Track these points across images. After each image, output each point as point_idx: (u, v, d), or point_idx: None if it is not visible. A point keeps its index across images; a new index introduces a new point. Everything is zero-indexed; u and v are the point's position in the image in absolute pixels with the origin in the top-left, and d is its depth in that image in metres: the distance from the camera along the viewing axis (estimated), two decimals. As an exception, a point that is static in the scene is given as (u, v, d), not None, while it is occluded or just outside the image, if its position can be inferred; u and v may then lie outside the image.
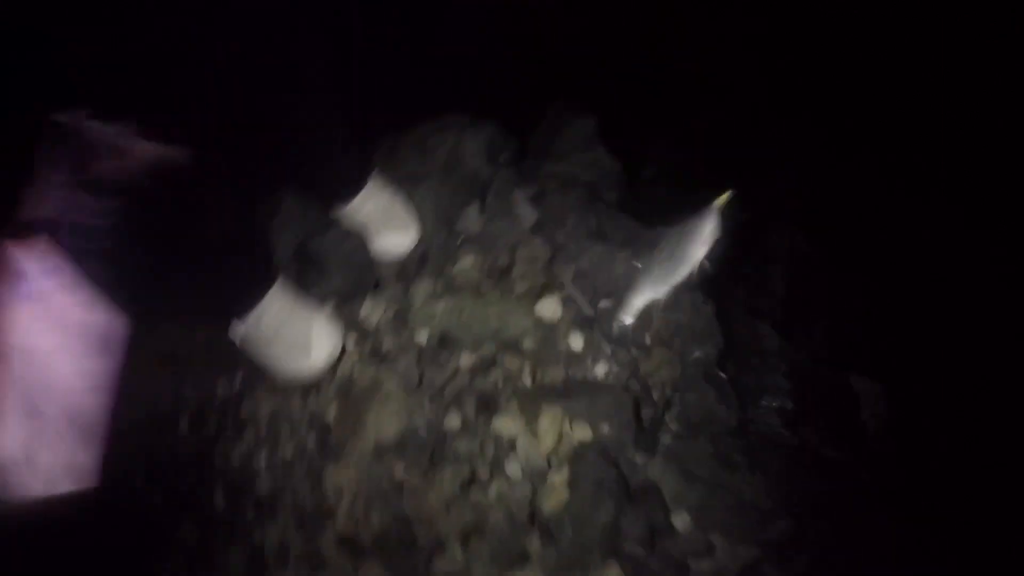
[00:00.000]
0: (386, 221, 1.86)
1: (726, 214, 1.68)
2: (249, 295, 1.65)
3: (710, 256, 1.87)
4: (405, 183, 1.96)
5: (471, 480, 1.59)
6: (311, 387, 1.74)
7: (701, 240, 1.66)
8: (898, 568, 1.95)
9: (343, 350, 1.77)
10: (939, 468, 2.34)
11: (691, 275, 1.67)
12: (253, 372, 1.75)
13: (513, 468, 1.64)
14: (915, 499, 2.22)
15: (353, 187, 1.84)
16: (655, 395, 1.87)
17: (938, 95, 2.62)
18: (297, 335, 1.66)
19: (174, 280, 1.67)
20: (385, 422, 1.65)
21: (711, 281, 2.16)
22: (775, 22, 2.71)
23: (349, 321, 1.82)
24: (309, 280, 1.81)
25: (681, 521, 1.71)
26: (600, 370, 1.85)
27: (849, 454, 2.12)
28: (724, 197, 1.59)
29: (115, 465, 1.58)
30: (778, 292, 2.44)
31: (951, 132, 2.57)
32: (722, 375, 1.97)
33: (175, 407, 1.71)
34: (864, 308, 2.50)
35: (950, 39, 2.57)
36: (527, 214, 1.97)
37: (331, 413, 1.71)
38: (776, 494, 1.83)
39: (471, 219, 2.01)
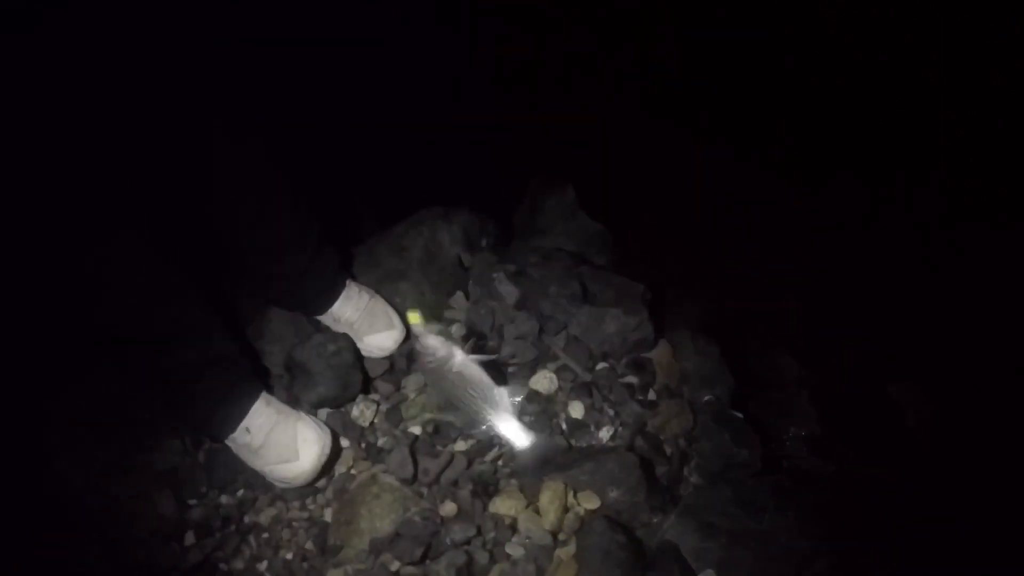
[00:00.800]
0: (370, 322, 1.90)
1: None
2: (238, 410, 1.70)
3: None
4: (386, 282, 2.00)
5: (469, 567, 1.54)
6: (309, 490, 1.75)
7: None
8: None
9: (338, 451, 1.77)
10: (1007, 472, 2.16)
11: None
12: (253, 481, 1.77)
13: (515, 549, 1.58)
14: (982, 511, 2.04)
15: (332, 295, 1.90)
16: (668, 449, 1.80)
17: (936, 94, 2.55)
18: (285, 443, 1.68)
19: (164, 402, 1.75)
20: (380, 517, 1.63)
21: (716, 321, 2.12)
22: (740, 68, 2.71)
23: (343, 423, 1.83)
24: (298, 388, 1.84)
25: (706, 581, 1.62)
26: (604, 434, 1.81)
27: (898, 469, 1.97)
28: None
29: None
30: (795, 318, 2.34)
31: (957, 128, 2.49)
32: (737, 415, 1.88)
33: (180, 521, 1.74)
34: (890, 314, 2.38)
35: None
36: (509, 292, 1.97)
37: (329, 513, 1.71)
38: (814, 532, 1.71)
39: (457, 307, 2.03)
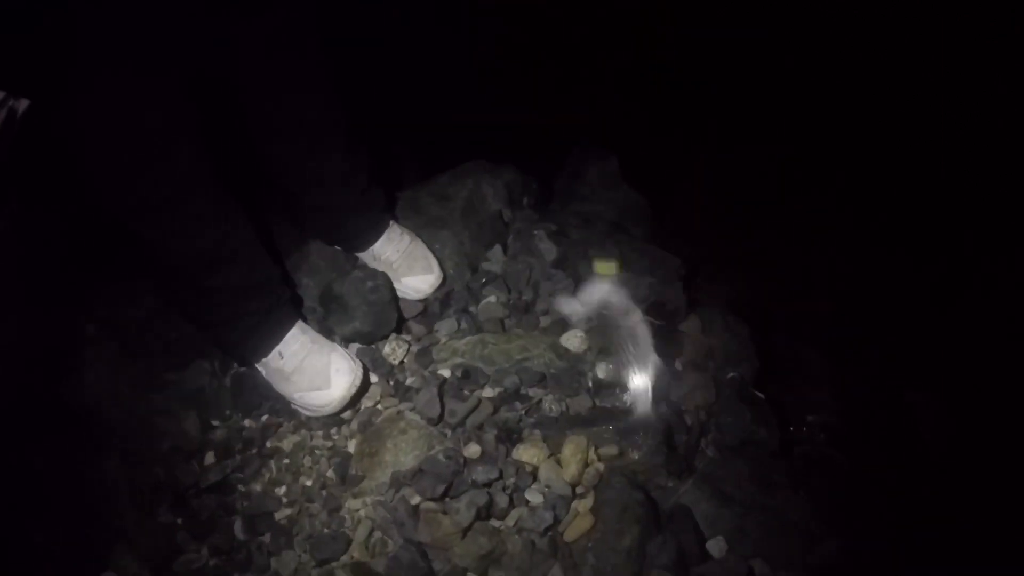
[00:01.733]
0: (409, 264, 1.92)
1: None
2: (273, 336, 1.72)
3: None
4: (427, 228, 2.02)
5: (489, 508, 1.57)
6: (334, 421, 1.78)
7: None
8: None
9: (367, 385, 1.80)
10: (1012, 485, 2.18)
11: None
12: (279, 408, 1.80)
13: (534, 496, 1.61)
14: (986, 519, 2.07)
15: (375, 233, 1.92)
16: (688, 419, 1.83)
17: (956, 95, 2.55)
18: (318, 370, 1.71)
19: (200, 323, 1.78)
20: (404, 453, 1.66)
21: (746, 306, 2.15)
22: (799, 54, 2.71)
23: (373, 359, 1.85)
24: (333, 321, 1.87)
25: (716, 546, 1.64)
26: (629, 398, 1.83)
27: (908, 472, 2.00)
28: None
29: (140, 494, 1.66)
30: (822, 313, 2.36)
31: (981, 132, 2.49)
32: (759, 395, 1.91)
33: (202, 441, 1.77)
34: (917, 322, 2.39)
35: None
36: (548, 250, 1.99)
37: (352, 445, 1.74)
38: (824, 515, 1.74)
39: (494, 259, 2.05)
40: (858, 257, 2.51)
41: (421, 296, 1.94)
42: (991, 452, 2.24)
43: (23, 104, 0.64)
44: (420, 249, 1.95)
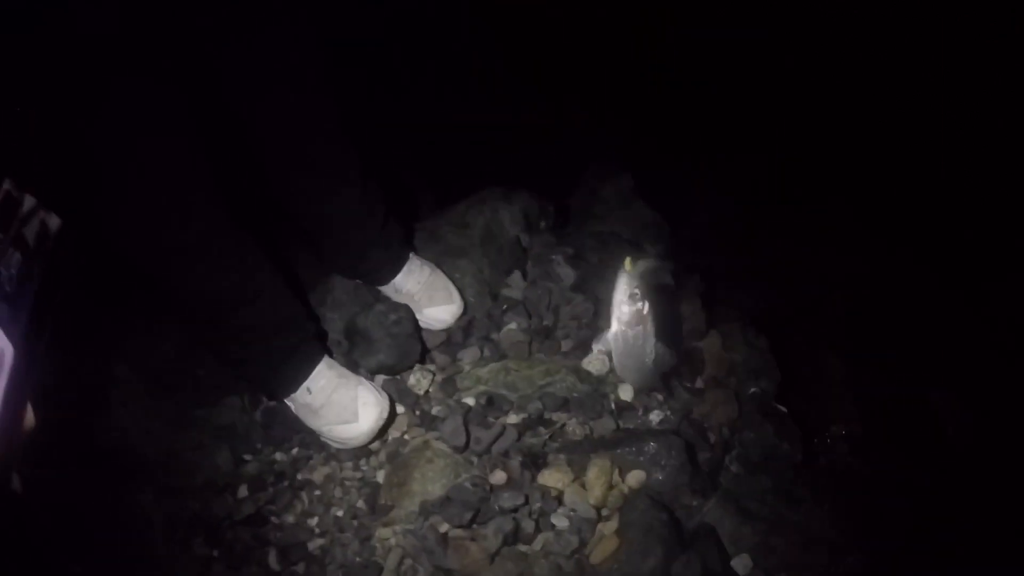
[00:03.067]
0: (430, 295, 1.96)
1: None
2: (301, 371, 1.77)
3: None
4: (446, 258, 2.07)
5: (515, 533, 1.61)
6: (363, 452, 1.83)
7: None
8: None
9: (393, 416, 1.85)
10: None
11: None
12: (309, 441, 1.86)
13: (560, 520, 1.65)
14: (1014, 522, 2.06)
15: (395, 266, 1.97)
16: (712, 437, 1.85)
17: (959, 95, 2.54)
18: (346, 403, 1.76)
19: (229, 361, 1.83)
20: (431, 481, 1.70)
21: (765, 317, 2.16)
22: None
23: (399, 390, 1.90)
24: (358, 354, 1.92)
25: (741, 564, 1.66)
26: (653, 418, 1.86)
27: (934, 477, 2.00)
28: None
29: (175, 527, 1.71)
30: (841, 319, 2.37)
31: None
32: (782, 409, 1.92)
33: (235, 475, 1.83)
34: (938, 321, 2.39)
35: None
36: (567, 274, 2.03)
37: (381, 475, 1.79)
38: (848, 527, 1.76)
39: (514, 286, 2.09)
40: (874, 258, 2.52)
41: (444, 326, 1.99)
42: (1016, 454, 2.24)
43: (55, 221, 0.67)
44: (440, 280, 1.99)
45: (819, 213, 2.66)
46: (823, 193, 2.68)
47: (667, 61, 2.80)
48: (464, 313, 2.01)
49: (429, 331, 1.99)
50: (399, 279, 1.96)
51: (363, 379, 1.83)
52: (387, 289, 1.99)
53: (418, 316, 1.96)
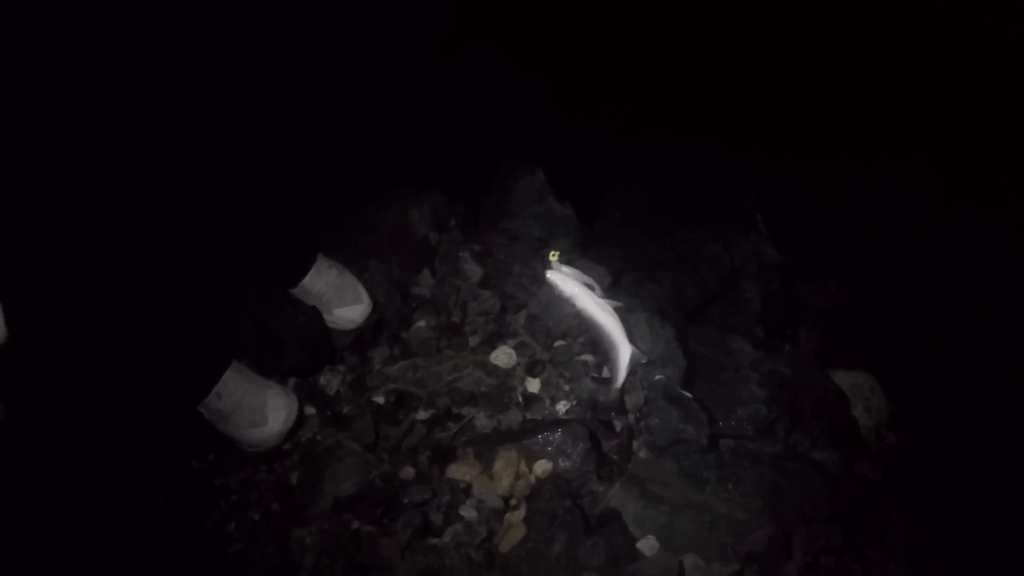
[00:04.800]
0: (339, 296, 1.98)
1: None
2: (211, 375, 1.78)
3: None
4: (356, 258, 2.08)
5: (425, 526, 1.64)
6: (276, 455, 1.84)
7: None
8: (905, 562, 1.89)
9: (304, 418, 1.86)
10: (950, 453, 2.27)
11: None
12: (224, 447, 1.86)
13: (468, 511, 1.68)
14: (927, 488, 2.15)
15: (303, 269, 1.97)
16: (617, 425, 1.90)
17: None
18: (255, 407, 1.77)
19: (143, 368, 1.83)
20: (343, 479, 1.72)
21: (674, 306, 2.22)
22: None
23: (310, 391, 1.92)
24: (268, 357, 1.92)
25: (647, 545, 1.71)
26: (559, 408, 1.90)
27: (844, 453, 2.08)
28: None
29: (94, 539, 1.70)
30: (753, 305, 2.44)
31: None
32: (687, 395, 1.97)
33: (153, 484, 1.83)
34: (849, 307, 2.48)
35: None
36: (473, 271, 2.06)
37: (295, 477, 1.80)
38: (753, 504, 1.81)
39: (423, 284, 2.12)
40: (785, 248, 2.59)
41: (353, 326, 2.00)
42: (923, 435, 2.33)
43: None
44: (349, 280, 2.00)
45: (733, 205, 2.73)
46: (737, 185, 2.76)
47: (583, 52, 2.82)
48: (373, 312, 2.02)
49: (339, 331, 2.01)
50: (308, 281, 1.96)
51: (272, 383, 1.83)
52: (296, 291, 2.00)
53: (328, 317, 1.97)
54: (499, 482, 1.71)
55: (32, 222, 1.40)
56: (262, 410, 1.77)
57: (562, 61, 2.71)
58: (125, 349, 1.72)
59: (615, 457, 1.84)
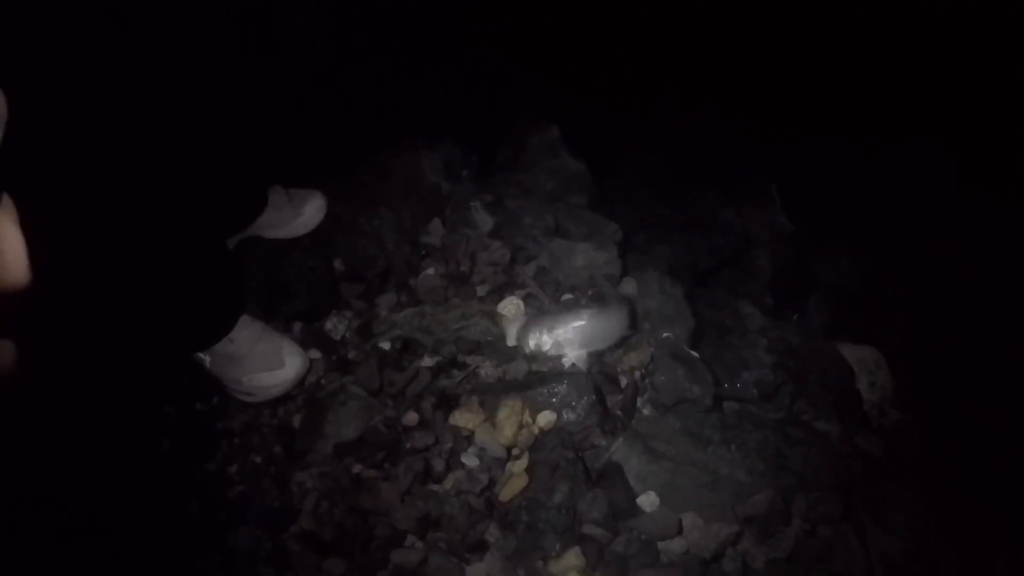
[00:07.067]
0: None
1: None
2: (222, 324, 1.77)
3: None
4: (367, 207, 2.07)
5: (426, 472, 1.64)
6: (281, 400, 1.84)
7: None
8: (903, 537, 1.89)
9: (310, 362, 1.86)
10: (953, 434, 2.26)
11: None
12: (229, 392, 1.86)
13: (470, 459, 1.68)
14: (928, 467, 2.14)
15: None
16: (623, 380, 1.89)
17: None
18: (271, 352, 1.77)
19: (152, 313, 1.82)
20: (345, 423, 1.72)
21: (685, 267, 2.20)
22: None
23: (316, 337, 1.91)
24: (277, 304, 1.92)
25: (647, 501, 1.71)
26: (565, 361, 1.88)
27: (847, 425, 2.06)
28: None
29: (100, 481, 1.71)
30: (764, 273, 2.42)
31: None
32: (693, 354, 1.96)
33: (157, 428, 1.83)
34: (857, 278, 2.46)
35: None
36: (484, 220, 2.04)
37: (297, 420, 1.81)
38: (755, 467, 1.80)
39: (433, 233, 2.10)
40: (800, 217, 2.57)
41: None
42: (926, 410, 2.32)
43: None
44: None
45: (749, 175, 2.70)
46: (753, 152, 2.72)
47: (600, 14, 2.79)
48: (382, 260, 2.01)
49: (347, 284, 2.00)
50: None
51: (283, 330, 1.84)
52: (305, 241, 1.99)
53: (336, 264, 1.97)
54: (502, 431, 1.70)
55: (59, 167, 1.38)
56: (279, 355, 1.77)
57: (585, 25, 2.67)
58: (146, 287, 1.71)
59: (619, 412, 1.83)
